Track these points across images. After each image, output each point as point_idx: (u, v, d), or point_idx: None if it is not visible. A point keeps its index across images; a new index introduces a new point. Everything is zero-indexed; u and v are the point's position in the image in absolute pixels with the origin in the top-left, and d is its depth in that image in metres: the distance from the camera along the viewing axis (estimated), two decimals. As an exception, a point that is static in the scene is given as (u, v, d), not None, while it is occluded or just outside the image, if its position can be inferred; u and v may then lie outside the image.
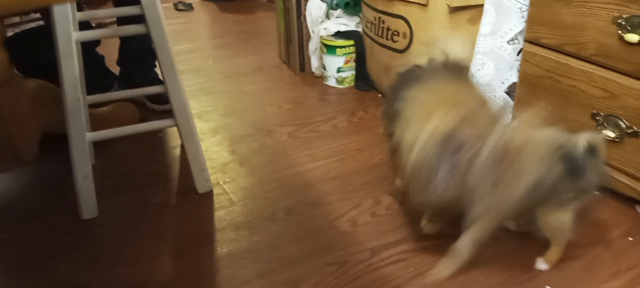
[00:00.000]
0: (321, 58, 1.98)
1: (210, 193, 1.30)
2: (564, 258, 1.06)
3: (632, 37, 1.07)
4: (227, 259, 1.08)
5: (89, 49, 1.61)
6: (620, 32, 1.10)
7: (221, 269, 1.06)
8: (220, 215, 1.22)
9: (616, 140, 1.17)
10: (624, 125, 1.14)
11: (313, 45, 2.02)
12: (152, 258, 1.09)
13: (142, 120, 1.55)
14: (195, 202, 1.28)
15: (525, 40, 1.34)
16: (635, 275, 1.02)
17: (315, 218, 1.21)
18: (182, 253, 1.11)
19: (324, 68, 1.96)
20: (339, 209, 1.24)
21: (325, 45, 1.91)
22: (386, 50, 1.69)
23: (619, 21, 1.09)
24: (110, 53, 1.80)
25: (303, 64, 2.09)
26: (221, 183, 1.35)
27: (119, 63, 1.79)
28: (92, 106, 1.47)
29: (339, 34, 1.92)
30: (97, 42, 1.76)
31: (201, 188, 1.30)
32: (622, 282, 1.00)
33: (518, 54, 1.45)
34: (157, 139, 1.59)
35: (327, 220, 1.20)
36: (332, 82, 1.96)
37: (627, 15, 1.08)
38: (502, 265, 1.05)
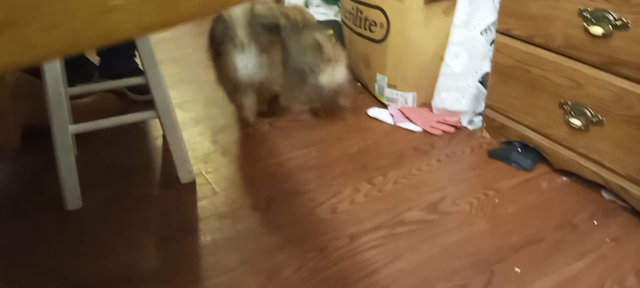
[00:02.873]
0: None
1: (193, 183, 1.33)
2: (532, 240, 1.12)
3: (596, 30, 1.12)
4: (211, 248, 1.12)
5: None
6: (585, 24, 1.15)
7: (205, 257, 1.09)
8: (204, 204, 1.25)
9: (582, 128, 1.22)
10: (589, 114, 1.20)
11: (292, 35, 2.04)
12: (137, 248, 1.12)
13: (123, 111, 1.56)
14: (178, 192, 1.30)
15: (497, 31, 1.38)
16: (598, 256, 1.08)
17: (296, 206, 1.24)
18: (166, 243, 1.14)
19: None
20: (319, 197, 1.28)
21: (305, 35, 1.93)
22: (364, 40, 1.72)
23: (584, 14, 1.14)
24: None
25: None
26: (203, 173, 1.38)
27: (98, 53, 1.80)
28: (72, 98, 1.48)
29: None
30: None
31: (184, 178, 1.33)
32: (586, 263, 1.07)
33: (490, 44, 1.50)
34: (138, 130, 1.60)
35: (308, 207, 1.24)
36: (311, 71, 1.99)
37: (592, 9, 1.13)
38: (473, 249, 1.10)
